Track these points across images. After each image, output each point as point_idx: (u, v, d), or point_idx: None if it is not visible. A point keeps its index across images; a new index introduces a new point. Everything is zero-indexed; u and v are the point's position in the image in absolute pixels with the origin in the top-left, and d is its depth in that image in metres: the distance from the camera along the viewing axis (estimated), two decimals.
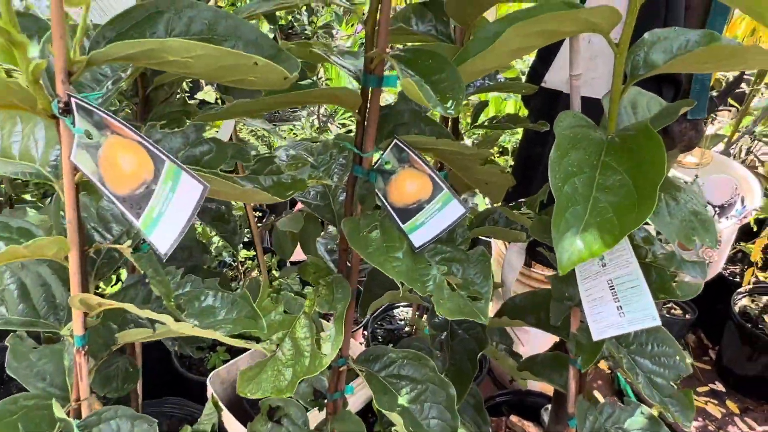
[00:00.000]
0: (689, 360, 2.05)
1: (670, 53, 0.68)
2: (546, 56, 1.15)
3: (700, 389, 1.96)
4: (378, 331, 1.80)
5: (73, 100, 0.44)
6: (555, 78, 1.10)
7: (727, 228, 1.25)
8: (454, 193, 0.68)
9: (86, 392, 0.61)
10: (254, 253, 1.89)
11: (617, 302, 0.70)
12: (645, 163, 0.58)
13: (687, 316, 1.99)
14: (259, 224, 2.05)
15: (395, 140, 0.67)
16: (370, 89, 0.65)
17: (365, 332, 1.81)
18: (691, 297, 0.70)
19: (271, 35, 1.79)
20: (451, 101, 0.54)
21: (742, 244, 2.00)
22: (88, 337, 0.58)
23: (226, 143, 0.57)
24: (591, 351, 0.76)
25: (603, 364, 1.98)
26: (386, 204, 0.69)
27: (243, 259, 1.95)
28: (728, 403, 1.91)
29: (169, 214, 0.44)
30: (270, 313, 0.71)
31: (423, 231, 0.68)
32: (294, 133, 2.47)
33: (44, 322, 0.61)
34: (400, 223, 0.69)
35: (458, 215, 0.68)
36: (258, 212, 2.06)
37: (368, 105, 0.66)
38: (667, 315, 1.97)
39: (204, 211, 1.06)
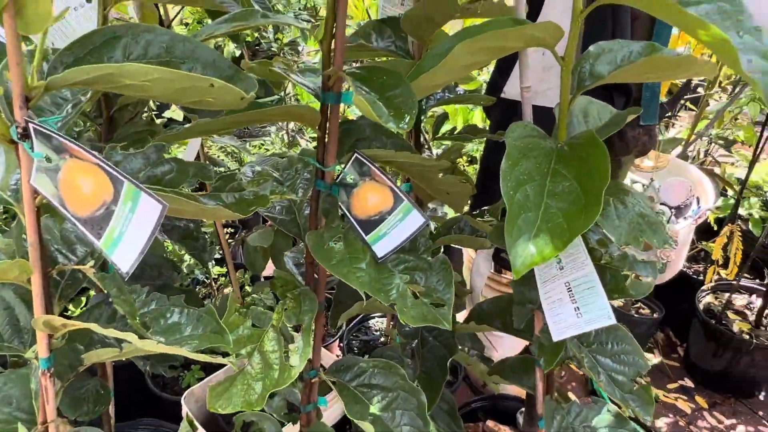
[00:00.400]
0: (658, 358, 2.11)
1: (615, 64, 0.71)
2: (505, 68, 1.19)
3: (670, 386, 2.01)
4: (354, 342, 1.81)
5: (31, 125, 0.45)
6: (513, 89, 1.13)
7: (683, 228, 1.30)
8: (415, 204, 0.70)
9: (53, 415, 0.61)
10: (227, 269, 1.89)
11: (575, 303, 0.73)
12: (592, 169, 0.61)
13: (655, 315, 2.05)
14: (231, 240, 2.05)
15: (356, 154, 0.69)
16: (329, 106, 0.67)
17: (341, 344, 1.81)
18: (643, 296, 0.73)
19: (238, 52, 1.81)
20: (404, 116, 0.56)
21: (704, 243, 2.07)
22: (54, 359, 0.58)
23: (188, 162, 0.58)
24: (552, 352, 0.79)
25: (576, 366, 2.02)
26: (349, 216, 0.71)
27: (216, 276, 1.94)
28: (697, 398, 1.96)
29: (130, 234, 0.45)
30: (238, 328, 0.72)
31: (385, 241, 0.70)
32: (266, 149, 2.47)
33: (8, 346, 0.61)
34: (363, 234, 0.70)
35: (419, 225, 0.70)
36: (230, 228, 2.06)
37: (328, 121, 0.68)
38: (635, 315, 2.03)
39: (173, 229, 1.06)
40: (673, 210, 1.41)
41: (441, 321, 0.67)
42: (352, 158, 0.70)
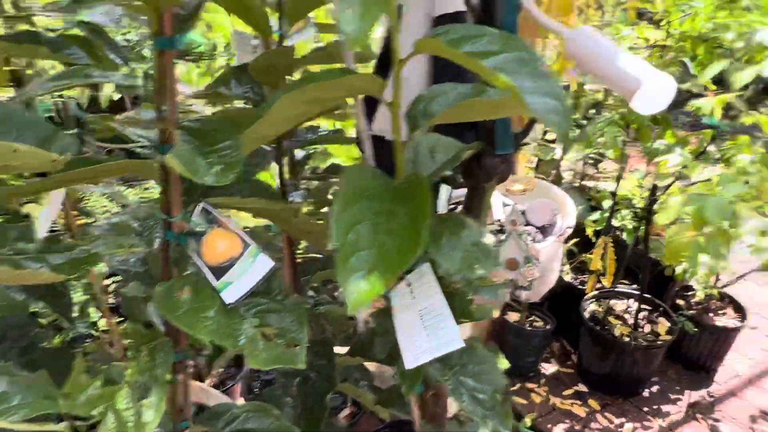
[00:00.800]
0: (555, 367, 2.22)
1: (446, 105, 0.77)
2: (372, 104, 1.25)
3: (565, 392, 2.12)
4: (255, 383, 1.78)
5: None
6: (379, 125, 1.18)
7: (548, 247, 1.41)
8: (262, 248, 0.72)
9: None
10: (118, 320, 1.81)
11: (426, 330, 0.77)
12: (420, 206, 0.65)
13: (548, 326, 2.17)
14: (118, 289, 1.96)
15: (201, 204, 0.71)
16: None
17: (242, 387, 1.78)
18: (486, 318, 0.79)
19: (117, 96, 1.76)
20: (230, 170, 0.58)
21: (584, 255, 2.23)
22: None
23: (9, 226, 0.57)
24: (411, 378, 0.82)
25: None
26: (200, 264, 0.71)
27: (107, 328, 1.85)
28: (590, 401, 2.08)
29: None
30: (88, 388, 0.70)
31: (235, 287, 0.71)
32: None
33: None
34: (214, 281, 0.71)
35: (268, 269, 0.71)
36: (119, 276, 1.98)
37: (169, 173, 0.69)
38: (529, 328, 2.13)
39: (32, 289, 1.01)
40: (538, 230, 1.52)
41: (294, 361, 0.68)
42: (199, 207, 0.71)
